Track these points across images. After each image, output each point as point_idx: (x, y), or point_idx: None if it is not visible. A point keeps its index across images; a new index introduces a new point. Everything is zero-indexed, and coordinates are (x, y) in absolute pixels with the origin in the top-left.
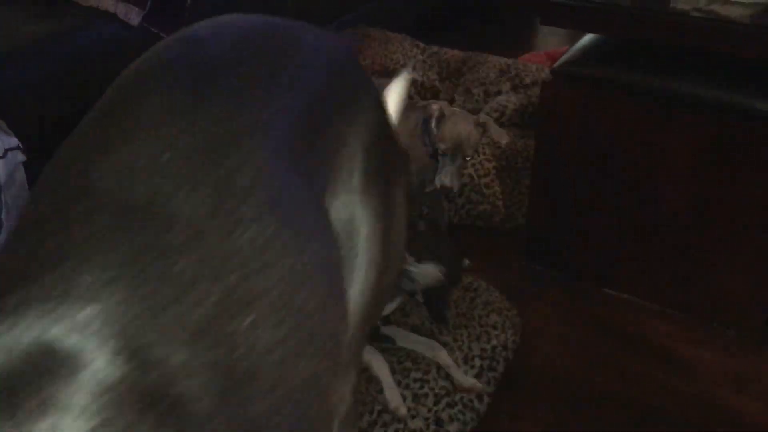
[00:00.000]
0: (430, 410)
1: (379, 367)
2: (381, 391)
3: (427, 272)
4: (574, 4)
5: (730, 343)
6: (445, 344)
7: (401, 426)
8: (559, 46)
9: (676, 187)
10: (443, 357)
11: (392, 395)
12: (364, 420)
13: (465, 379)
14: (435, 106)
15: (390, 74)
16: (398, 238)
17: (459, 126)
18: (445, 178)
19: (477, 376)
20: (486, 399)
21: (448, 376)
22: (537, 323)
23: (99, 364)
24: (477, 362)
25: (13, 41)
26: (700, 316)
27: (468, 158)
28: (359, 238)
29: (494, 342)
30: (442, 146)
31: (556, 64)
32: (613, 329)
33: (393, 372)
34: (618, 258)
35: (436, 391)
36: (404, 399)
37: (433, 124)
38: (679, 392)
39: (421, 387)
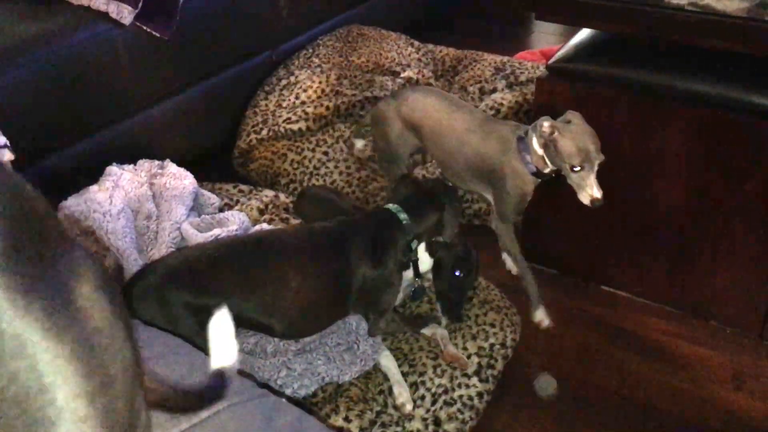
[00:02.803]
0: (428, 411)
1: (387, 363)
2: (381, 392)
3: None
4: None
5: (728, 340)
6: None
7: (400, 429)
8: (554, 44)
9: (672, 183)
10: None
11: (400, 391)
12: (365, 419)
13: (454, 350)
14: (546, 124)
15: (385, 73)
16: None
17: (580, 137)
18: (591, 189)
19: (477, 373)
20: (485, 397)
21: (444, 375)
22: (536, 324)
23: None
24: (474, 359)
25: (4, 40)
26: (698, 313)
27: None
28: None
29: (492, 340)
30: (574, 161)
31: (550, 61)
32: (611, 327)
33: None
34: (615, 255)
35: (434, 391)
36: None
37: (535, 144)
38: (677, 390)
39: (417, 390)
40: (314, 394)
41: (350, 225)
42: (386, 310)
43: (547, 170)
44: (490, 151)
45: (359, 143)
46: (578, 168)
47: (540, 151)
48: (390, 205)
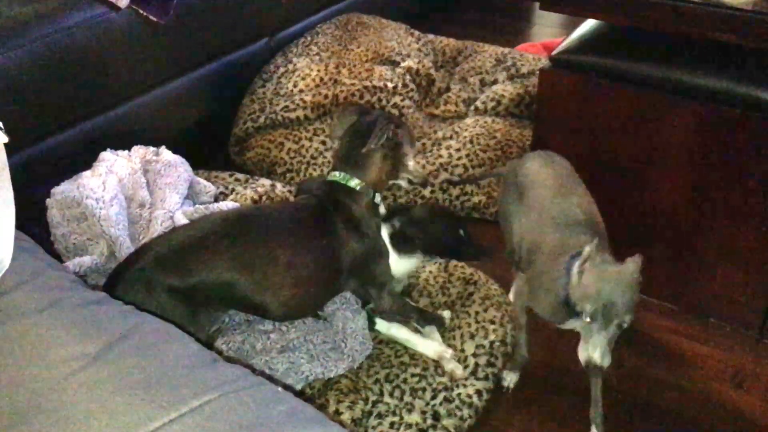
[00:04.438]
0: (427, 404)
1: (404, 335)
2: (376, 380)
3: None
4: None
5: (728, 338)
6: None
7: (397, 418)
8: (555, 37)
9: (673, 177)
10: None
11: (439, 354)
12: (357, 410)
13: (455, 365)
14: (587, 248)
15: (384, 62)
16: None
17: (610, 282)
18: (593, 351)
19: (473, 372)
20: (485, 395)
21: (445, 373)
22: (534, 321)
23: None
24: (471, 360)
25: None
26: (698, 311)
27: (624, 326)
28: None
29: (492, 337)
30: (585, 306)
31: (554, 52)
32: None
33: (390, 366)
34: (615, 251)
35: (434, 386)
36: (402, 393)
37: (575, 269)
38: (676, 387)
39: (419, 381)
40: (302, 392)
41: (323, 200)
42: (386, 282)
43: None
44: (557, 250)
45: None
46: (587, 317)
47: (575, 280)
48: (336, 174)
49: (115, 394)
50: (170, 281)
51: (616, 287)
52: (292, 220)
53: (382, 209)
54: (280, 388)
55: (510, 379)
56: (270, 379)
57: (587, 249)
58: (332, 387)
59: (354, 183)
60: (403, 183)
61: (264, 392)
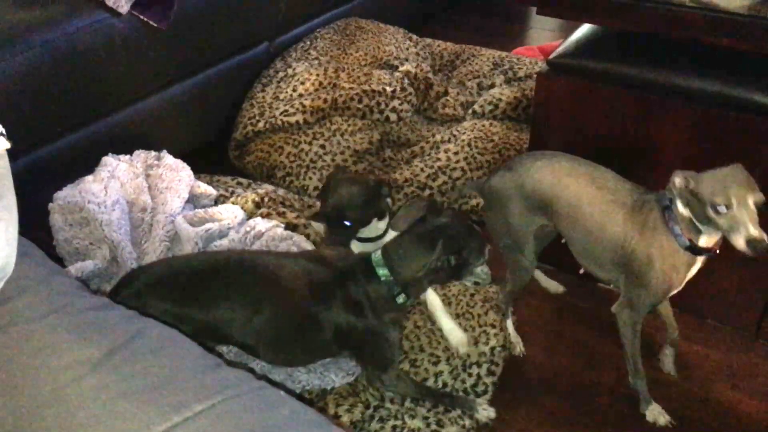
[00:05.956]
0: (429, 410)
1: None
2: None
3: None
4: None
5: (725, 339)
6: (445, 349)
7: (399, 422)
8: (551, 40)
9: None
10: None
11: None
12: (356, 413)
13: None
14: (678, 179)
15: (383, 66)
16: None
17: (722, 174)
18: (746, 227)
19: (474, 386)
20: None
21: (444, 389)
22: (532, 318)
23: None
24: (474, 370)
25: (0, 28)
26: (695, 312)
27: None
28: None
29: (493, 342)
30: (717, 199)
31: (551, 56)
32: (606, 323)
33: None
34: None
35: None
36: (402, 400)
37: (681, 201)
38: (672, 387)
39: None
40: (300, 396)
41: (338, 272)
42: (386, 366)
43: (701, 241)
44: (634, 231)
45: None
46: (724, 207)
47: (686, 212)
48: (374, 256)
49: (119, 399)
50: (165, 306)
51: (730, 174)
52: (288, 279)
53: (431, 294)
54: (282, 392)
55: (656, 414)
56: (272, 383)
57: (674, 179)
58: (331, 391)
59: (382, 272)
60: (467, 283)
61: (267, 396)
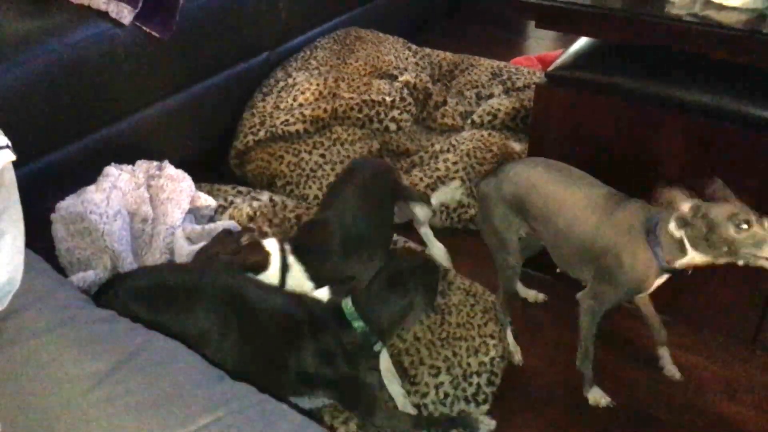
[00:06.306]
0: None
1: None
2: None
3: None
4: (571, 8)
5: (722, 349)
6: (445, 359)
7: None
8: (549, 51)
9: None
10: None
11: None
12: (351, 425)
13: None
14: (686, 206)
15: (382, 76)
16: None
17: (731, 197)
18: None
19: (474, 396)
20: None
21: (446, 400)
22: (531, 328)
23: None
24: (475, 379)
25: (2, 38)
26: (692, 323)
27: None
28: None
29: (493, 353)
30: (740, 216)
31: (550, 68)
32: (605, 334)
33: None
34: None
35: (435, 415)
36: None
37: (677, 224)
38: (670, 398)
39: (418, 411)
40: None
41: (313, 318)
42: (372, 410)
43: (680, 262)
44: (609, 233)
45: None
46: (746, 224)
47: (677, 234)
48: (346, 308)
49: (126, 412)
50: (140, 313)
51: (734, 198)
52: (268, 310)
53: (383, 355)
54: (285, 405)
55: (597, 395)
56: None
57: (682, 207)
58: (327, 405)
59: (357, 324)
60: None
61: (270, 409)
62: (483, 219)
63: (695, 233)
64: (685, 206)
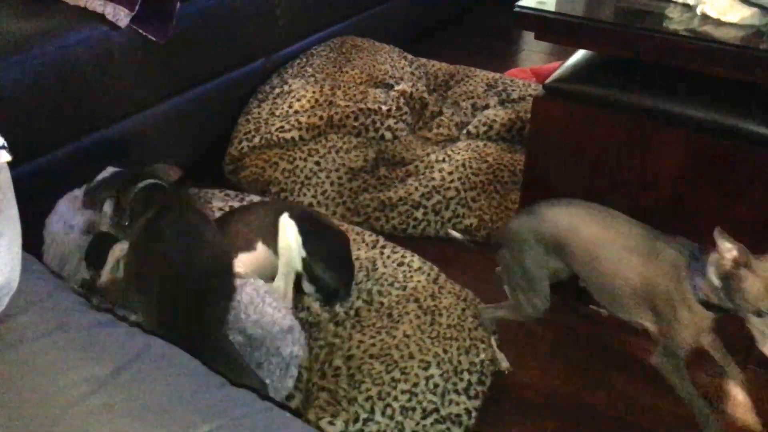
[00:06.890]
0: (417, 423)
1: None
2: (368, 398)
3: None
4: (571, 21)
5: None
6: (435, 355)
7: None
8: (543, 63)
9: (666, 204)
10: None
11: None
12: (338, 423)
13: None
14: (729, 256)
15: (378, 85)
16: None
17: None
18: None
19: (466, 390)
20: (474, 413)
21: (436, 391)
22: (527, 340)
23: None
24: (466, 376)
25: None
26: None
27: None
28: None
29: (482, 356)
30: (762, 305)
31: (548, 80)
32: (601, 346)
33: (381, 383)
34: None
35: (424, 405)
36: (392, 412)
37: (717, 272)
38: (663, 410)
39: (409, 400)
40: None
41: None
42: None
43: (716, 301)
44: (656, 275)
45: None
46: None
47: (716, 282)
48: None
49: (125, 419)
50: None
51: None
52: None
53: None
54: (287, 413)
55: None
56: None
57: (726, 254)
58: (312, 405)
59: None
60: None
61: (272, 416)
62: (512, 258)
63: (729, 290)
64: (728, 257)
